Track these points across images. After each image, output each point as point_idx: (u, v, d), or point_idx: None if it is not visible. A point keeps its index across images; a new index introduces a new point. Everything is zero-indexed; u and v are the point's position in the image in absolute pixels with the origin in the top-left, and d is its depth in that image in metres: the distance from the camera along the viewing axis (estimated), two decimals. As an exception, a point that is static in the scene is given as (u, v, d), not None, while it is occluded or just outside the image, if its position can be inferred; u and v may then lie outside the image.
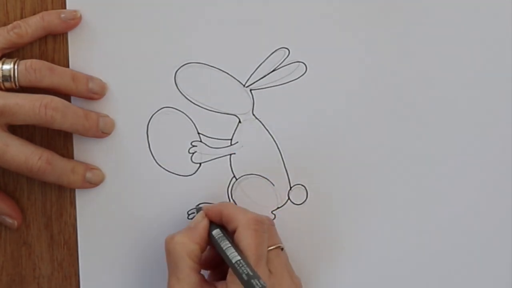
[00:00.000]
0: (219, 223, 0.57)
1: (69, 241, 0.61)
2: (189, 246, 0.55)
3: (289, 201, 0.61)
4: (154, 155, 0.60)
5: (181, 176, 0.61)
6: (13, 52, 0.58)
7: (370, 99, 0.61)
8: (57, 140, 0.60)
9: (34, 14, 0.58)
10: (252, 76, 0.60)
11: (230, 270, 0.54)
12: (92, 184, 0.60)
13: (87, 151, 0.60)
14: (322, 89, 0.61)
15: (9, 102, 0.55)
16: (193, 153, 0.61)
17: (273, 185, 0.61)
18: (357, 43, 0.60)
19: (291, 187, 0.61)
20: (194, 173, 0.61)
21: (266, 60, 0.60)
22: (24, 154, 0.56)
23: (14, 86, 0.56)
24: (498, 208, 0.62)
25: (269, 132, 0.61)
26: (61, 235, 0.61)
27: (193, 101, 0.60)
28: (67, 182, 0.58)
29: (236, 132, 0.61)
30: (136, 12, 0.59)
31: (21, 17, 0.58)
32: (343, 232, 0.62)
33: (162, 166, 0.61)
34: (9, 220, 0.60)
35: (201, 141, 0.61)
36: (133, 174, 0.61)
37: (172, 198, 0.61)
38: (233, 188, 0.61)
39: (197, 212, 0.59)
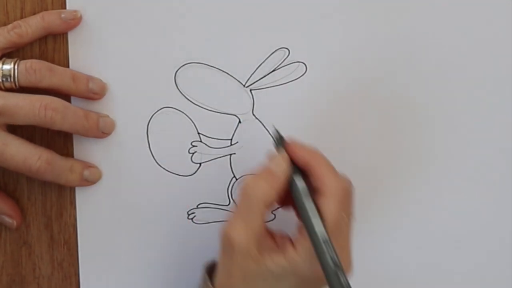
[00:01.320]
0: (300, 168, 0.53)
1: (69, 241, 0.61)
2: (269, 194, 0.52)
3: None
4: (154, 155, 0.60)
5: (181, 176, 0.61)
6: (13, 52, 0.58)
7: (370, 99, 0.61)
8: (57, 140, 0.60)
9: (34, 14, 0.58)
10: (252, 76, 0.60)
11: (300, 229, 0.52)
12: (90, 182, 0.60)
13: (87, 151, 0.60)
14: (322, 89, 0.61)
15: (9, 102, 0.55)
16: (193, 153, 0.61)
17: (273, 185, 0.61)
18: (357, 43, 0.60)
19: (291, 187, 0.61)
20: (194, 173, 0.61)
21: (266, 60, 0.60)
22: (23, 154, 0.56)
23: (14, 86, 0.56)
24: (498, 208, 0.62)
25: (269, 132, 0.61)
26: (61, 235, 0.61)
27: (193, 101, 0.60)
28: (65, 180, 0.58)
29: (236, 132, 0.61)
30: (136, 12, 0.59)
31: (21, 17, 0.58)
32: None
33: (162, 166, 0.61)
34: (9, 220, 0.60)
35: (201, 141, 0.61)
36: (133, 174, 0.61)
37: (172, 198, 0.61)
38: (233, 188, 0.61)
39: (277, 140, 0.55)
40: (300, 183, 0.53)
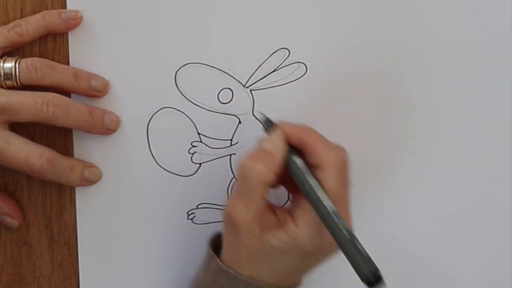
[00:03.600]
0: (296, 147, 0.54)
1: (69, 241, 0.61)
2: (267, 176, 0.53)
3: (289, 201, 0.61)
4: (154, 155, 0.60)
5: (181, 176, 0.61)
6: (13, 51, 0.58)
7: (370, 99, 0.61)
8: (57, 139, 0.60)
9: (33, 14, 0.58)
10: (253, 76, 0.60)
11: (298, 204, 0.53)
12: (90, 182, 0.60)
13: (87, 151, 0.60)
14: (323, 89, 0.61)
15: (11, 100, 0.55)
16: (193, 153, 0.61)
17: (273, 185, 0.61)
18: (357, 43, 0.60)
19: (291, 188, 0.61)
20: (194, 173, 0.61)
21: (267, 61, 0.60)
22: (25, 153, 0.56)
23: (15, 84, 0.56)
24: (498, 206, 0.62)
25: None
26: (61, 235, 0.61)
27: (193, 101, 0.60)
28: (66, 180, 0.58)
29: (236, 132, 0.61)
30: (136, 13, 0.59)
31: (21, 17, 0.58)
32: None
33: (162, 166, 0.61)
34: (9, 220, 0.60)
35: (201, 142, 0.61)
36: (133, 174, 0.61)
37: (172, 198, 0.61)
38: (233, 189, 0.61)
39: (266, 124, 0.56)
40: (298, 160, 0.53)
